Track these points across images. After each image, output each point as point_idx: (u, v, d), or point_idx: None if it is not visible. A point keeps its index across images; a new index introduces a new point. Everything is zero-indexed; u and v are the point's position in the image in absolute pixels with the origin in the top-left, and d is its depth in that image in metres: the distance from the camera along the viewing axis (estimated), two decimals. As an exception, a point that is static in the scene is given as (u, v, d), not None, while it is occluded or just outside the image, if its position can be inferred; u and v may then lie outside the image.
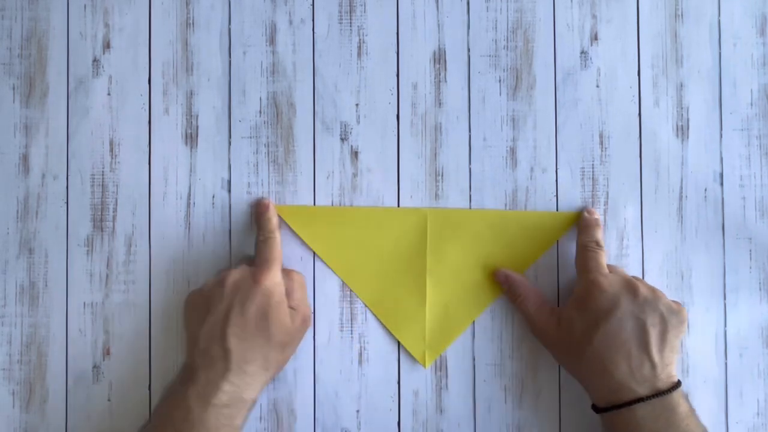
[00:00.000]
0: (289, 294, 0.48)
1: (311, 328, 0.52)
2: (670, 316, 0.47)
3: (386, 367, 0.53)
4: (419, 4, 0.54)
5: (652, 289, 0.48)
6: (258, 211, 0.52)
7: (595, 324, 0.47)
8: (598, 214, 0.52)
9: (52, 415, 0.52)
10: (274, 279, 0.47)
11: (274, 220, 0.51)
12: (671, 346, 0.47)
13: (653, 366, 0.46)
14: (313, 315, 0.52)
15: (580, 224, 0.52)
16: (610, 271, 0.49)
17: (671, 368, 0.47)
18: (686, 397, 0.47)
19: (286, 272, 0.50)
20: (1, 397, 0.52)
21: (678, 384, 0.46)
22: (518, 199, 0.54)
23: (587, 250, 0.50)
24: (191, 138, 0.54)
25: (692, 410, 0.46)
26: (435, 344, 0.52)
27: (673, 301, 0.48)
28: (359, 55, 0.54)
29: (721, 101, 0.54)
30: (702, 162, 0.54)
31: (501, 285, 0.52)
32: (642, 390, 0.46)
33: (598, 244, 0.50)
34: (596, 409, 0.49)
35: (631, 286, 0.48)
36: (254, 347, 0.46)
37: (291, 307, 0.48)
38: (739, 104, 0.54)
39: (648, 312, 0.47)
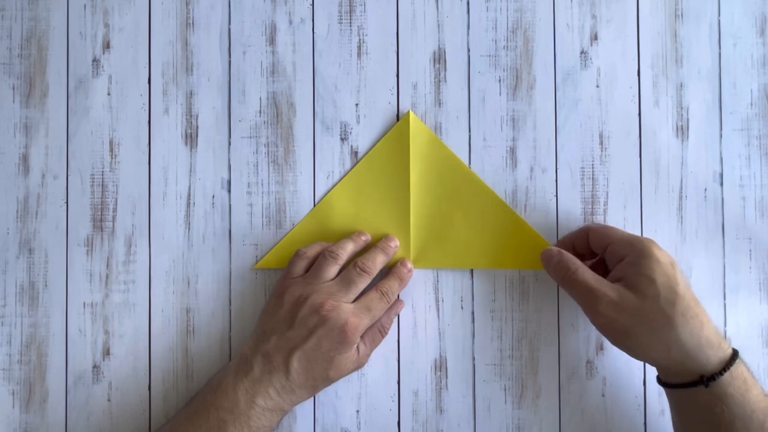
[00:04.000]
0: (362, 339, 0.49)
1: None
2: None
3: (386, 367, 0.53)
4: (419, 4, 0.54)
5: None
6: (404, 266, 0.51)
7: (673, 278, 0.45)
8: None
9: (52, 415, 0.52)
10: (359, 333, 0.48)
11: (407, 283, 0.51)
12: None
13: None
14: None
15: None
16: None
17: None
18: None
19: (365, 296, 0.49)
20: (1, 397, 0.52)
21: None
22: (518, 199, 0.54)
23: (598, 227, 0.51)
24: (191, 138, 0.54)
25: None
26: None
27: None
28: (359, 55, 0.54)
29: (721, 101, 0.54)
30: (702, 162, 0.54)
31: (548, 265, 0.49)
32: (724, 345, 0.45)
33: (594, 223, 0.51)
34: (706, 381, 0.45)
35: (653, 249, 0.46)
36: (309, 378, 0.47)
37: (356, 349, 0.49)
38: (739, 104, 0.54)
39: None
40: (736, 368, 0.44)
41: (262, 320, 0.49)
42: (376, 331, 0.50)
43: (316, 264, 0.50)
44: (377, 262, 0.50)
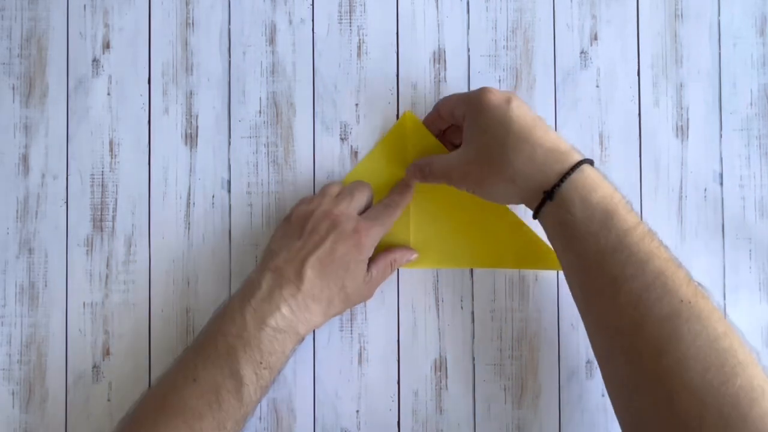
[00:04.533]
0: (372, 265, 0.49)
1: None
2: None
3: (386, 367, 0.53)
4: (419, 4, 0.54)
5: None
6: (404, 184, 0.51)
7: (503, 117, 0.44)
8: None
9: (52, 415, 0.52)
10: (373, 240, 0.47)
11: (409, 198, 0.51)
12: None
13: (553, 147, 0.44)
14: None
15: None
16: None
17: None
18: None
19: (373, 209, 0.50)
20: (1, 397, 0.52)
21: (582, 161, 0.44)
22: (518, 199, 0.54)
23: (444, 98, 0.50)
24: (191, 138, 0.54)
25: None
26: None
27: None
28: (359, 55, 0.54)
29: (721, 101, 0.55)
30: (702, 162, 0.54)
31: (412, 178, 0.51)
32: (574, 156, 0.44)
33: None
34: (541, 204, 0.44)
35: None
36: (323, 287, 0.46)
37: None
38: (739, 104, 0.54)
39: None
40: (580, 175, 0.43)
41: (270, 242, 0.49)
42: (387, 264, 0.50)
43: (319, 190, 0.51)
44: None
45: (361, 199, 0.49)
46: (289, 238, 0.47)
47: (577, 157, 0.44)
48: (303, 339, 0.47)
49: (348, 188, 0.50)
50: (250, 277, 0.47)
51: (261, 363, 0.44)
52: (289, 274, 0.45)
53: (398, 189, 0.51)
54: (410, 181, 0.51)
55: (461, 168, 0.47)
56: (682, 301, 0.39)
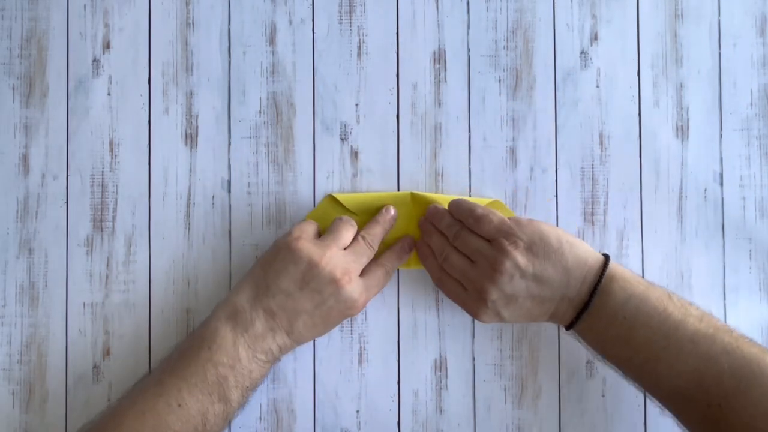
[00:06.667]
0: (365, 277, 0.49)
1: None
2: (520, 233, 0.46)
3: (386, 367, 0.53)
4: (419, 4, 0.54)
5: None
6: (380, 217, 0.51)
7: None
8: (440, 206, 0.51)
9: (52, 415, 0.52)
10: (358, 287, 0.48)
11: (386, 231, 0.51)
12: (543, 268, 0.46)
13: (562, 297, 0.46)
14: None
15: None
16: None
17: (574, 273, 0.46)
18: (618, 273, 0.46)
19: (374, 273, 0.50)
20: (1, 397, 0.52)
21: (604, 263, 0.46)
22: (518, 199, 0.54)
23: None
24: (191, 138, 0.54)
25: (627, 273, 0.46)
26: None
27: (487, 244, 0.47)
28: (359, 55, 0.54)
29: (721, 101, 0.55)
30: (702, 162, 0.54)
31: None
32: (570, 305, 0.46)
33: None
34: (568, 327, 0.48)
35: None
36: (315, 334, 0.48)
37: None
38: (739, 104, 0.54)
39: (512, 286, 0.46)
40: (609, 276, 0.45)
41: (266, 273, 0.47)
42: (382, 275, 0.50)
43: (333, 226, 0.49)
44: (378, 236, 0.50)
45: (364, 263, 0.49)
46: (291, 282, 0.46)
47: (597, 261, 0.46)
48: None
49: (355, 249, 0.49)
50: (240, 305, 0.46)
51: (248, 386, 0.46)
52: (281, 322, 0.47)
53: (396, 254, 0.51)
54: (390, 215, 0.51)
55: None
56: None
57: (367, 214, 0.52)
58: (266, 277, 0.47)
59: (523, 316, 0.47)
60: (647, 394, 0.48)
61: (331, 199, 0.53)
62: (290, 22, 0.54)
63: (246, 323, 0.46)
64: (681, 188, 0.54)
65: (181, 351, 0.46)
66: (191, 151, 0.54)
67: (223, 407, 0.45)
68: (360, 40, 0.54)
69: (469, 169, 0.54)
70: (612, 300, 0.45)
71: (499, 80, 0.54)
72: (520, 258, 0.45)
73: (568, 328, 0.47)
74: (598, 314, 0.45)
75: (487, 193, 0.54)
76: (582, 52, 0.54)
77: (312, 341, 0.53)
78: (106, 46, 0.54)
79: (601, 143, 0.54)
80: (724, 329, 0.44)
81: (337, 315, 0.48)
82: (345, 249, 0.48)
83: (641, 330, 0.44)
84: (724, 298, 0.54)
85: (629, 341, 0.44)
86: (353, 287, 0.47)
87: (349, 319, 0.53)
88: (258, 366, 0.46)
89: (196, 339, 0.46)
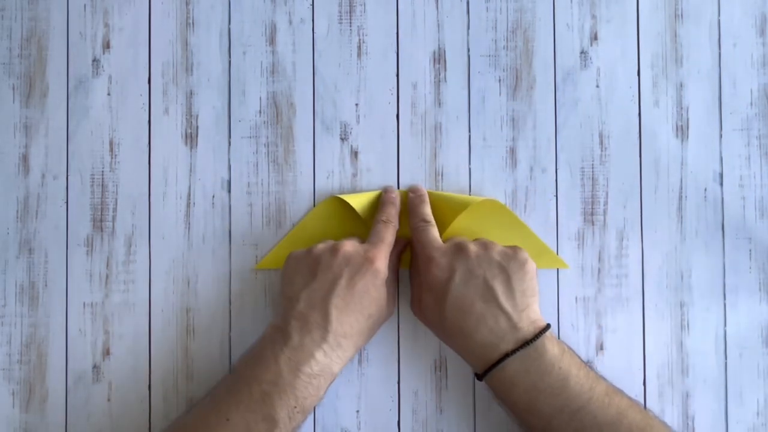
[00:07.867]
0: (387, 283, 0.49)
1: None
2: (509, 262, 0.46)
3: (386, 367, 0.53)
4: (419, 4, 0.54)
5: (483, 244, 0.48)
6: (387, 197, 0.51)
7: (442, 297, 0.46)
8: (422, 190, 0.52)
9: (52, 415, 0.52)
10: (385, 260, 0.47)
11: (398, 207, 0.51)
12: (521, 290, 0.46)
13: (508, 317, 0.45)
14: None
15: (408, 206, 0.52)
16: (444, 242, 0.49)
17: (530, 312, 0.46)
18: (556, 339, 0.46)
19: (372, 230, 0.50)
20: (1, 397, 0.52)
21: (544, 328, 0.45)
22: (518, 199, 0.54)
23: (416, 230, 0.50)
24: (191, 138, 0.54)
25: (565, 350, 0.46)
26: None
27: (509, 247, 0.48)
28: (359, 55, 0.54)
29: (721, 101, 0.55)
30: (702, 162, 0.54)
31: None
32: (506, 345, 0.45)
33: (425, 220, 0.50)
34: (478, 377, 0.47)
35: (460, 247, 0.47)
36: (352, 322, 0.46)
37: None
38: (739, 104, 0.54)
39: (484, 266, 0.46)
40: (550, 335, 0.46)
41: (284, 290, 0.47)
42: (395, 262, 0.50)
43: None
44: (394, 214, 0.51)
45: (388, 243, 0.49)
46: (303, 282, 0.46)
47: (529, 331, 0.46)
48: (336, 376, 0.46)
49: (375, 233, 0.49)
50: (276, 325, 0.46)
51: (295, 407, 0.44)
52: (315, 319, 0.45)
53: (388, 202, 0.51)
54: (394, 193, 0.51)
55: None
56: None
57: (370, 211, 0.52)
58: (286, 292, 0.47)
59: (471, 303, 0.46)
60: None
61: (334, 199, 0.53)
62: (290, 22, 0.54)
63: (284, 337, 0.45)
64: (681, 188, 0.54)
65: (234, 368, 0.47)
66: (191, 151, 0.54)
67: (267, 427, 0.43)
68: (360, 40, 0.54)
69: (469, 168, 0.54)
70: (550, 351, 0.45)
71: (499, 80, 0.54)
72: (498, 249, 0.47)
73: (496, 363, 0.45)
74: (537, 356, 0.45)
75: (487, 193, 0.54)
76: (582, 52, 0.54)
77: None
78: (106, 46, 0.54)
79: (601, 143, 0.54)
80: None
81: (362, 282, 0.46)
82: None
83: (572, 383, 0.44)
84: (724, 298, 0.54)
85: (563, 391, 0.44)
86: (356, 248, 0.47)
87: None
88: (302, 383, 0.44)
89: (241, 364, 0.46)
